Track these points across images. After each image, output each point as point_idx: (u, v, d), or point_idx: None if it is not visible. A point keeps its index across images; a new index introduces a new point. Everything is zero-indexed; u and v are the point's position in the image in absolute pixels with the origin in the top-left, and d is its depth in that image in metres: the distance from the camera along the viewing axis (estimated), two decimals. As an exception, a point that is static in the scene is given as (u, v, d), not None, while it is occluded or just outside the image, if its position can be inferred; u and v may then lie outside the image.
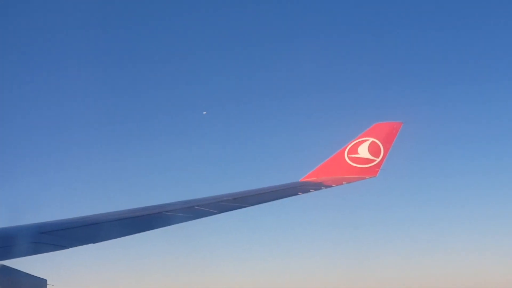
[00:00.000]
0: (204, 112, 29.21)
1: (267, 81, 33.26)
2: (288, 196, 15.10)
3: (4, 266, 9.35)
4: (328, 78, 32.73)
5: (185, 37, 33.40)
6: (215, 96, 32.83)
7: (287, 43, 33.51)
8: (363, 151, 17.85)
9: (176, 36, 33.43)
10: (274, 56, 33.65)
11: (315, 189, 15.83)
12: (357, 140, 18.18)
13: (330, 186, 16.30)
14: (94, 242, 10.65)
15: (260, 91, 32.99)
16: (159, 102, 32.59)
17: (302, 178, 17.45)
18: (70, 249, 10.26)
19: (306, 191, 15.69)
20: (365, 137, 18.15)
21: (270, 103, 32.79)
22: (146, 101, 32.79)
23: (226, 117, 32.19)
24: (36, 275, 9.60)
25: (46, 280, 9.67)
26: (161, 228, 12.00)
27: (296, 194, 15.32)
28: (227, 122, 32.15)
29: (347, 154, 17.90)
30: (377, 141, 17.95)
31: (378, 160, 17.74)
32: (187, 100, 32.16)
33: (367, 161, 17.81)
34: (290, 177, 18.04)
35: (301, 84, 33.19)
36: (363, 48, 33.54)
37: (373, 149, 17.83)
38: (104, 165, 29.53)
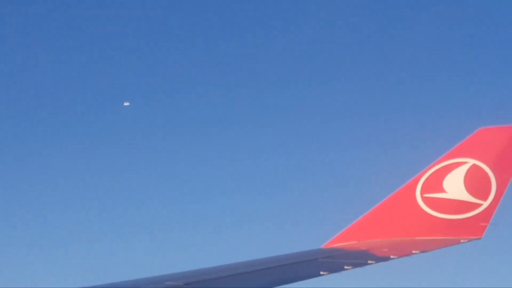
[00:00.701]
0: (126, 103, 25.77)
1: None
2: (299, 280, 11.23)
3: None
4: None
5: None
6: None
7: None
8: (455, 187, 13.89)
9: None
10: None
11: (354, 265, 11.96)
12: (441, 165, 14.11)
13: (386, 259, 12.55)
14: None
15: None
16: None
17: (327, 243, 13.94)
18: None
19: (335, 268, 11.88)
20: (457, 157, 14.05)
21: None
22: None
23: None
24: None
25: None
26: None
27: (318, 274, 11.46)
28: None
29: (421, 192, 13.97)
30: (483, 165, 13.77)
31: (485, 204, 13.57)
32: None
33: (463, 206, 13.78)
34: (305, 241, 16.06)
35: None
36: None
37: (475, 182, 13.85)
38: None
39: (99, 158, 28.52)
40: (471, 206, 13.89)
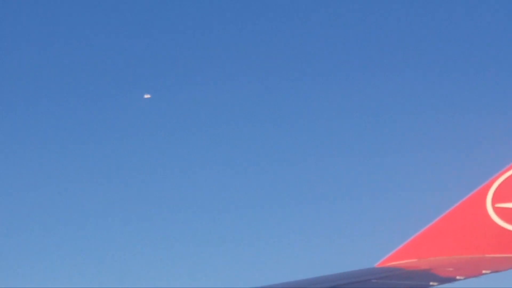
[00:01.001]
0: (147, 95, 26.63)
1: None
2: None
3: None
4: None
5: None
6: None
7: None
8: None
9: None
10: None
11: (413, 287, 11.81)
12: (517, 169, 13.28)
13: (452, 280, 11.85)
14: None
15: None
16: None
17: (381, 262, 13.29)
18: None
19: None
20: None
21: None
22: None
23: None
24: None
25: None
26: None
27: None
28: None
29: (493, 202, 13.13)
30: None
31: None
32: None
33: None
34: (357, 259, 15.99)
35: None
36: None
37: None
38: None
39: (116, 152, 27.74)
40: None
